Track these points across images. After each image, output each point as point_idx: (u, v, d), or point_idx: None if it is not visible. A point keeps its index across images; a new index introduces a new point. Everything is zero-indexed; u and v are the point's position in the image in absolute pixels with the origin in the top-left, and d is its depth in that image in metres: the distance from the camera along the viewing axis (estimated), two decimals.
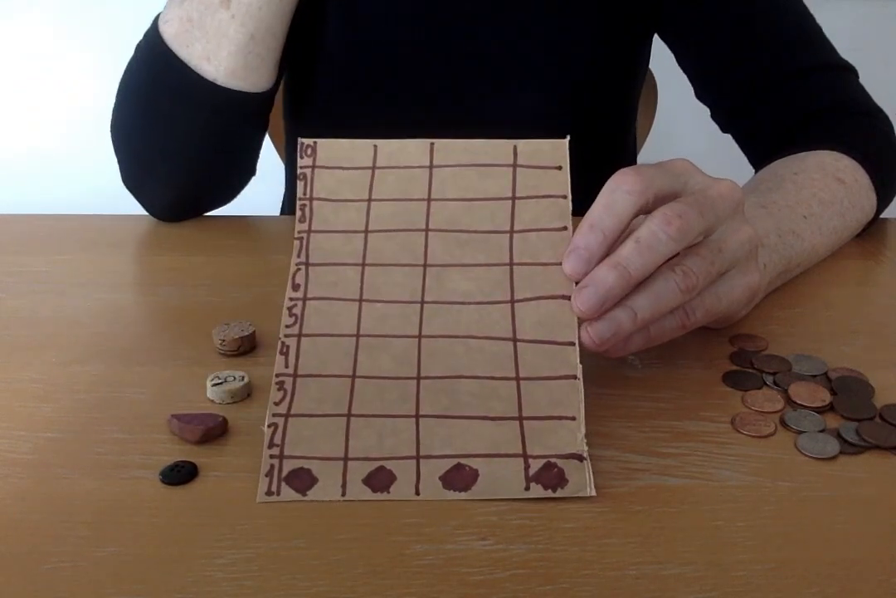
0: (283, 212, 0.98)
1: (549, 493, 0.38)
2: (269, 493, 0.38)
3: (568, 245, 0.43)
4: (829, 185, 0.61)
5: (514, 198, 0.46)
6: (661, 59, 0.84)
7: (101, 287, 0.59)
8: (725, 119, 0.76)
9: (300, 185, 0.47)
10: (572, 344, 0.42)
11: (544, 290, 0.44)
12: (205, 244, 0.66)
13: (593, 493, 0.38)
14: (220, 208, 0.75)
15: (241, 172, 0.74)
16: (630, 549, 0.35)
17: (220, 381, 0.45)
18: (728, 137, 0.77)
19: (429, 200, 0.47)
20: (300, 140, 0.48)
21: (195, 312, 0.55)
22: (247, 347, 0.50)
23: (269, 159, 1.09)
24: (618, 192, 0.42)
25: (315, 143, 0.48)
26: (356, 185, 0.47)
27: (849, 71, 0.72)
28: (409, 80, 0.78)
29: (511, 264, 0.45)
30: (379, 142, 0.48)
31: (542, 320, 0.43)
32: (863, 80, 0.73)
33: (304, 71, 0.81)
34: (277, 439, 0.40)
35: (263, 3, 0.63)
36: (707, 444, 0.42)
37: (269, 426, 0.40)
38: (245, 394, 0.45)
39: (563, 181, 0.46)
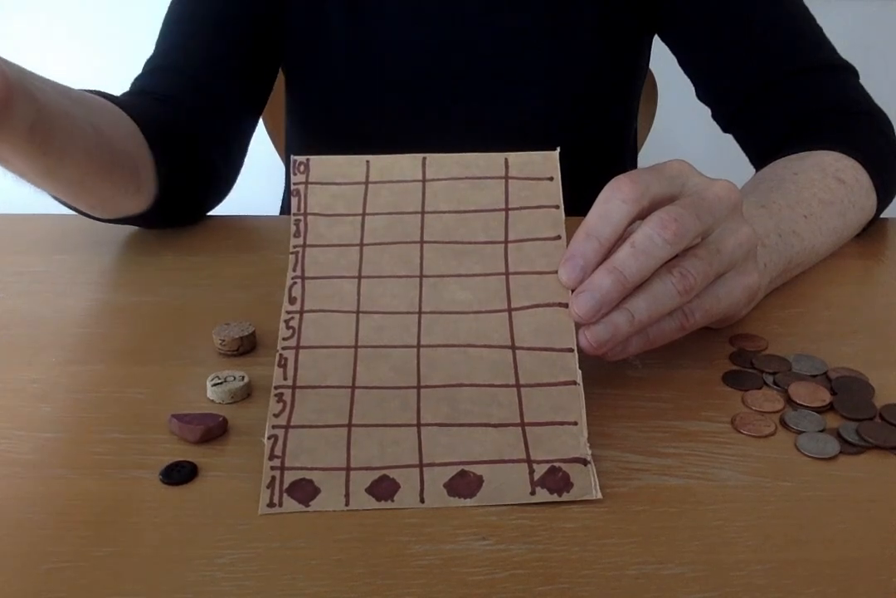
0: (282, 212, 0.98)
1: (554, 497, 0.38)
2: (270, 505, 0.37)
3: (563, 254, 0.43)
4: (829, 185, 0.61)
5: (507, 209, 0.47)
6: (661, 60, 0.85)
7: (102, 287, 0.59)
8: (727, 119, 0.76)
9: (294, 201, 0.48)
10: (571, 350, 0.42)
11: (541, 298, 0.44)
12: (205, 244, 0.66)
13: (599, 496, 0.38)
14: (220, 209, 0.75)
15: (218, 186, 0.74)
16: (630, 549, 0.35)
17: (220, 381, 0.45)
18: (728, 136, 0.77)
19: (422, 212, 0.47)
20: (293, 158, 0.48)
21: (195, 312, 0.55)
22: (247, 347, 0.50)
23: (269, 159, 1.09)
24: (613, 200, 0.42)
25: (308, 159, 0.48)
26: (350, 199, 0.48)
27: (849, 71, 0.72)
28: (410, 82, 0.78)
29: (507, 274, 0.45)
30: (371, 157, 0.48)
31: (539, 327, 0.43)
32: (863, 80, 0.73)
33: (304, 72, 0.81)
34: (278, 451, 0.39)
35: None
36: (707, 444, 0.42)
37: (269, 438, 0.40)
38: (245, 394, 0.45)
39: (555, 192, 0.47)
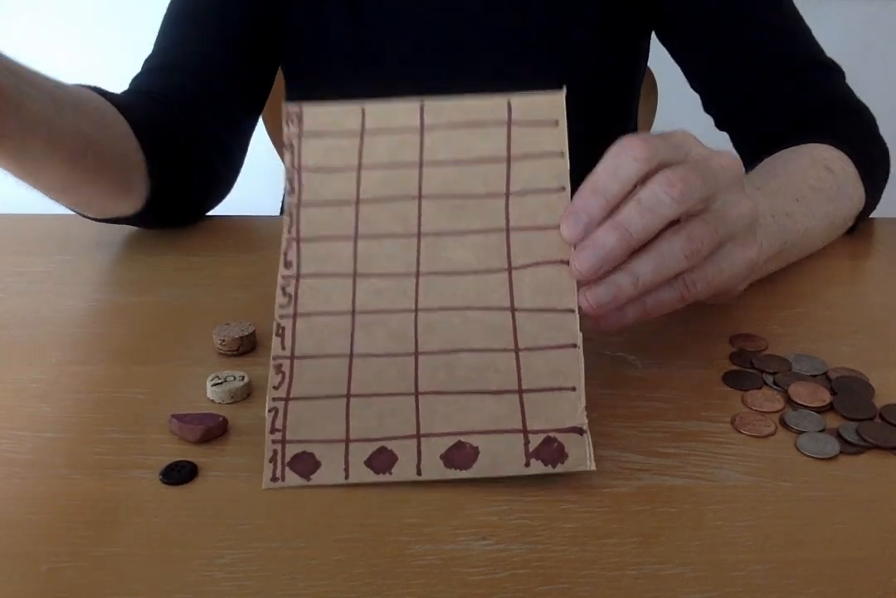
0: (282, 212, 0.98)
1: (549, 469, 0.37)
2: (273, 479, 0.37)
3: (566, 207, 0.42)
4: (818, 173, 0.61)
5: (509, 158, 0.44)
6: (661, 59, 0.85)
7: (101, 287, 0.59)
8: (719, 115, 0.76)
9: (287, 155, 0.46)
10: (572, 311, 0.41)
11: (542, 255, 0.42)
12: (205, 244, 0.66)
13: (593, 467, 0.37)
14: (220, 209, 0.75)
15: (217, 186, 0.74)
16: (630, 549, 0.35)
17: (220, 381, 0.45)
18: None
19: (420, 164, 0.45)
20: (285, 106, 0.45)
21: (195, 312, 0.55)
22: (247, 347, 0.50)
23: (269, 159, 1.09)
24: (623, 157, 0.41)
25: (301, 109, 0.46)
26: (345, 152, 0.46)
27: (836, 70, 0.74)
28: (410, 82, 0.78)
29: (507, 230, 0.43)
30: (367, 105, 0.46)
31: (540, 286, 0.42)
32: (863, 80, 0.73)
33: (304, 72, 0.81)
34: (279, 424, 0.39)
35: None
36: (707, 444, 0.42)
37: (269, 411, 0.40)
38: (245, 394, 0.45)
39: (560, 137, 0.44)
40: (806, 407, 0.44)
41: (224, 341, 0.49)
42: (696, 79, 0.78)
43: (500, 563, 0.34)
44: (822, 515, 0.37)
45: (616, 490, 0.38)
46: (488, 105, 0.45)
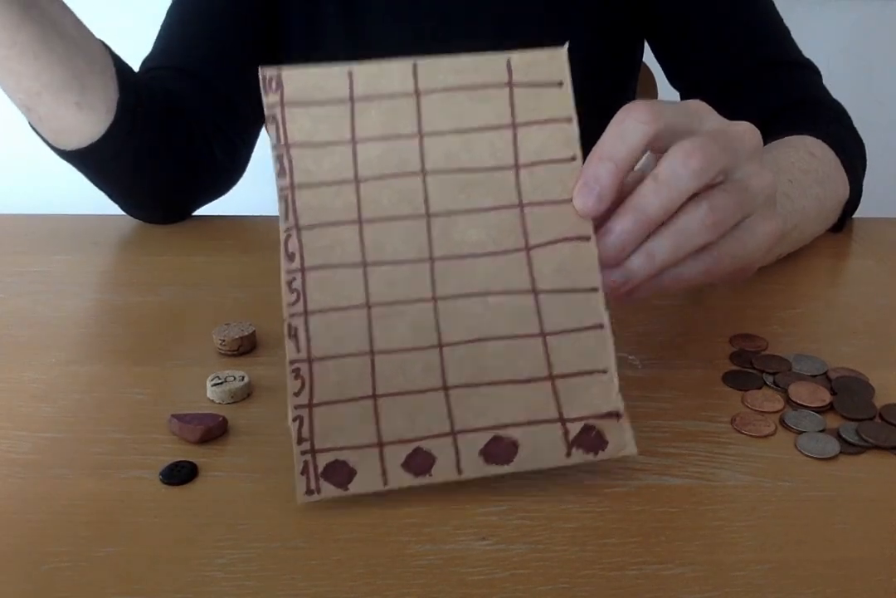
0: None
1: (590, 457, 0.37)
2: (308, 492, 0.36)
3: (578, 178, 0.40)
4: (803, 157, 0.62)
5: (514, 125, 0.42)
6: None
7: (102, 287, 0.59)
8: None
9: (271, 130, 0.41)
10: (595, 290, 0.39)
11: (559, 232, 0.40)
12: (205, 244, 0.66)
13: (634, 451, 0.37)
14: (220, 209, 0.75)
15: (207, 175, 0.74)
16: (630, 549, 0.35)
17: (220, 381, 0.45)
18: None
19: (420, 135, 0.42)
20: (261, 71, 0.41)
21: (195, 312, 0.55)
22: (247, 347, 0.50)
23: (270, 159, 1.09)
24: (628, 121, 0.40)
25: (280, 73, 0.41)
26: (335, 122, 0.42)
27: (812, 70, 0.75)
28: None
29: (521, 206, 0.41)
30: (354, 66, 0.42)
31: (560, 266, 0.40)
32: (863, 79, 0.73)
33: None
34: (305, 433, 0.38)
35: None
36: (707, 444, 0.42)
37: (293, 420, 0.38)
38: (245, 394, 0.45)
39: (566, 101, 0.41)
40: (806, 407, 0.44)
41: (224, 341, 0.49)
42: (674, 76, 0.80)
43: (500, 563, 0.34)
44: (822, 515, 0.37)
45: (616, 490, 0.38)
46: (486, 63, 0.42)
